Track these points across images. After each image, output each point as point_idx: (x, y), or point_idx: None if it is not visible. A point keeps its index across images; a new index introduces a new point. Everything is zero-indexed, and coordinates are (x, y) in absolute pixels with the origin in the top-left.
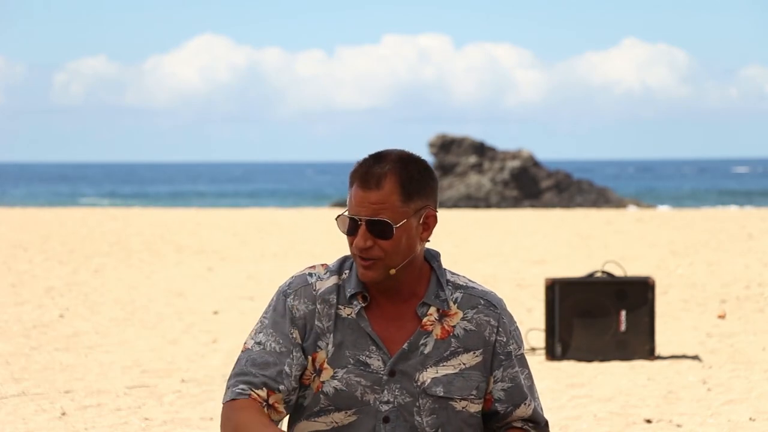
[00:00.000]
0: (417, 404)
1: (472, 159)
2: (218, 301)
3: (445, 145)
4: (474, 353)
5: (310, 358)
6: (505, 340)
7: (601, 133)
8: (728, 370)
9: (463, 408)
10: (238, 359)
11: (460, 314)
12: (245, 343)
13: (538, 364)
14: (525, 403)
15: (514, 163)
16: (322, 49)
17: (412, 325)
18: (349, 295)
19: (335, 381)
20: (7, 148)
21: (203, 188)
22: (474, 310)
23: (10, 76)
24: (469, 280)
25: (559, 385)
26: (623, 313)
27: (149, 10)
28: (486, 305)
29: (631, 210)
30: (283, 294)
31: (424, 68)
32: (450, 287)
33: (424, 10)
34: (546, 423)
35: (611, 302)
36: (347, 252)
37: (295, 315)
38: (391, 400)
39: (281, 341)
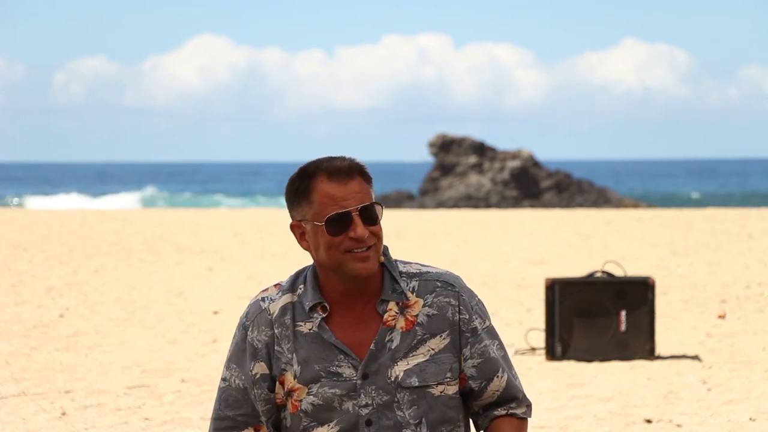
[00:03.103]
0: (396, 400)
1: (472, 159)
2: (218, 301)
3: (445, 145)
4: (441, 336)
5: (277, 382)
6: (467, 317)
7: (601, 133)
8: (728, 370)
9: (441, 392)
10: (216, 397)
11: (421, 302)
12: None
13: (538, 364)
14: (498, 376)
15: (514, 163)
16: (322, 49)
17: (375, 324)
18: (308, 308)
19: (311, 397)
20: (7, 148)
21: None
22: (432, 294)
23: (10, 76)
24: (422, 266)
25: (559, 385)
26: (623, 313)
27: (149, 10)
28: (443, 286)
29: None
30: (243, 327)
31: (424, 68)
32: (405, 278)
33: (423, 10)
34: (524, 396)
35: (611, 302)
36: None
37: (257, 347)
38: (369, 402)
39: (243, 378)
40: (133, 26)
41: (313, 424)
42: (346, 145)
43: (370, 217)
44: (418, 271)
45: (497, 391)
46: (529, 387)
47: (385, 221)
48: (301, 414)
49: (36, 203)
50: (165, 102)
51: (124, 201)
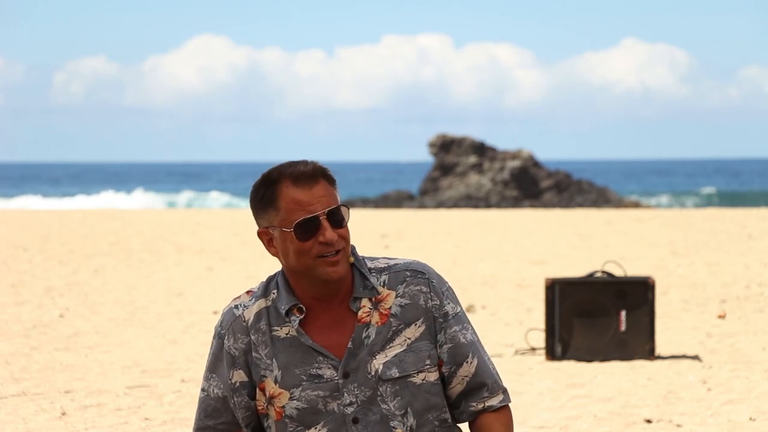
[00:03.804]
0: (379, 393)
1: (472, 159)
2: (218, 301)
3: (445, 145)
4: (416, 325)
5: (258, 389)
6: (438, 302)
7: (601, 133)
8: (728, 370)
9: (423, 380)
10: (197, 407)
11: (393, 294)
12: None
13: (538, 364)
14: (467, 362)
15: (514, 163)
16: (322, 49)
17: (351, 323)
18: (284, 311)
19: (294, 401)
20: (7, 148)
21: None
22: (403, 285)
23: (10, 76)
24: (389, 259)
25: (559, 385)
26: (623, 313)
27: (149, 10)
28: (413, 275)
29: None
30: (219, 336)
31: (424, 68)
32: (374, 273)
33: (423, 10)
34: (495, 382)
35: (611, 302)
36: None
37: (234, 355)
38: (354, 400)
39: (222, 386)
40: (133, 26)
41: (300, 428)
42: (346, 145)
43: (337, 220)
44: (386, 265)
45: (466, 377)
46: (528, 387)
47: (385, 221)
48: (286, 420)
49: (61, 204)
50: (165, 102)
51: (153, 201)
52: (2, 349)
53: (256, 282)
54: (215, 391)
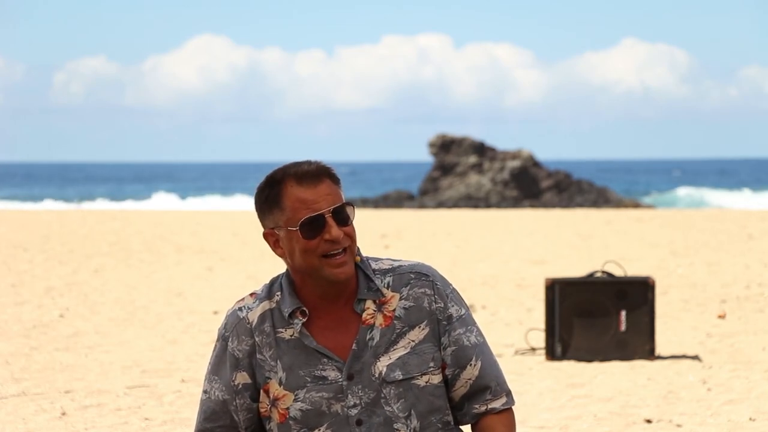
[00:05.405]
0: (382, 395)
1: (472, 159)
2: (218, 301)
3: (445, 145)
4: (420, 327)
5: (262, 391)
6: (443, 305)
7: (601, 133)
8: (728, 370)
9: (426, 383)
10: (198, 409)
11: (397, 296)
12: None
13: (538, 364)
14: (471, 364)
15: (514, 163)
16: (322, 49)
17: (355, 325)
18: (287, 314)
19: (299, 403)
20: (7, 148)
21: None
22: (408, 287)
23: (10, 76)
24: (393, 261)
25: (559, 385)
26: (623, 313)
27: (149, 10)
28: (417, 277)
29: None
30: (223, 338)
31: (424, 68)
32: (379, 275)
33: (423, 10)
34: (499, 384)
35: (611, 302)
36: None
37: (238, 357)
38: (357, 402)
39: (224, 389)
40: (133, 26)
41: (303, 430)
42: (346, 145)
43: (343, 218)
44: (390, 266)
45: (470, 379)
46: (528, 387)
47: (385, 221)
48: (290, 421)
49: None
50: (165, 102)
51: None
52: (2, 349)
53: (255, 282)
54: (216, 394)
